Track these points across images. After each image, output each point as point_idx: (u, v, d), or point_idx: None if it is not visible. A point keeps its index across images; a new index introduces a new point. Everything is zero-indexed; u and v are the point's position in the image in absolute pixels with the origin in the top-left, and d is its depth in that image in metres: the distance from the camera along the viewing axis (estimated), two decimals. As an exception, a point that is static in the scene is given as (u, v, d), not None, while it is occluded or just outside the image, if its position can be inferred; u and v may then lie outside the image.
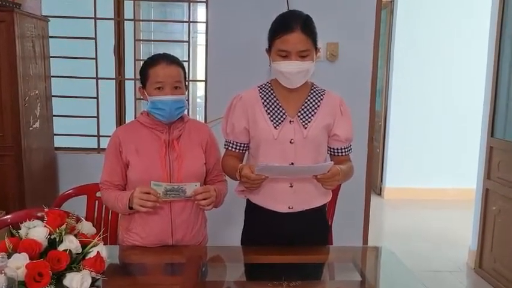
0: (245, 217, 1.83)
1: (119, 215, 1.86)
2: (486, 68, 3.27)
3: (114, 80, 3.33)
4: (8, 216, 1.79)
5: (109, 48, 3.31)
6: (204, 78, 3.22)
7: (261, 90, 1.73)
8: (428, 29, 5.00)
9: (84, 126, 3.32)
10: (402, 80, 5.12)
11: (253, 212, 1.77)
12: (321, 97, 1.72)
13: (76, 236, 1.38)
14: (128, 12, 3.35)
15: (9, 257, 1.22)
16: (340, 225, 2.41)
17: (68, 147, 3.33)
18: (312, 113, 1.68)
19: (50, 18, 3.13)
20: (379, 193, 5.44)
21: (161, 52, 1.77)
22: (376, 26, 3.04)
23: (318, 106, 1.70)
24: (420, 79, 5.10)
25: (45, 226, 1.35)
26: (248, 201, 1.79)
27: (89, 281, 1.29)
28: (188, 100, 1.85)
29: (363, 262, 1.85)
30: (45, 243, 1.32)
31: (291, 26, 1.57)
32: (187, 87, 1.79)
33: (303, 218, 1.71)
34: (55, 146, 3.26)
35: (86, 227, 1.46)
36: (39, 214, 1.42)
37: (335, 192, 2.22)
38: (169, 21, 6.11)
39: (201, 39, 3.98)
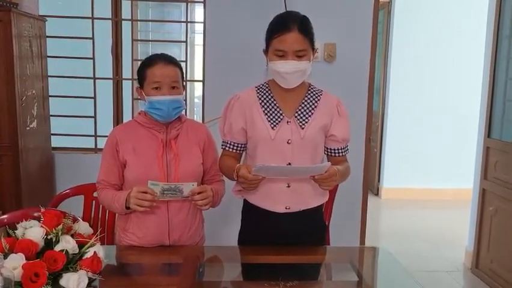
0: (242, 217, 1.83)
1: (116, 215, 1.86)
2: (483, 68, 3.28)
3: (111, 80, 3.32)
4: (5, 216, 1.78)
5: (107, 48, 3.30)
6: (201, 79, 3.22)
7: (258, 91, 1.73)
8: (425, 29, 5.01)
9: (81, 126, 3.32)
10: (399, 80, 5.13)
11: (250, 212, 1.77)
12: (319, 97, 1.72)
13: (72, 236, 1.37)
14: (125, 12, 3.34)
15: (5, 257, 1.22)
16: (337, 225, 2.42)
17: (65, 147, 3.32)
18: (309, 113, 1.69)
19: (47, 18, 3.12)
20: (376, 193, 5.45)
21: (158, 52, 1.77)
22: (374, 27, 3.05)
23: (316, 106, 1.70)
24: (418, 80, 5.11)
25: (41, 226, 1.34)
26: (245, 201, 1.79)
27: (86, 281, 1.28)
28: (186, 100, 1.85)
29: (360, 262, 1.85)
30: (41, 244, 1.31)
31: (288, 25, 1.57)
32: (184, 87, 1.79)
33: (300, 218, 1.71)
34: (52, 146, 3.25)
35: (83, 227, 1.46)
36: (36, 214, 1.41)
37: (332, 193, 2.22)
38: (167, 21, 6.09)
39: (199, 39, 3.97)
